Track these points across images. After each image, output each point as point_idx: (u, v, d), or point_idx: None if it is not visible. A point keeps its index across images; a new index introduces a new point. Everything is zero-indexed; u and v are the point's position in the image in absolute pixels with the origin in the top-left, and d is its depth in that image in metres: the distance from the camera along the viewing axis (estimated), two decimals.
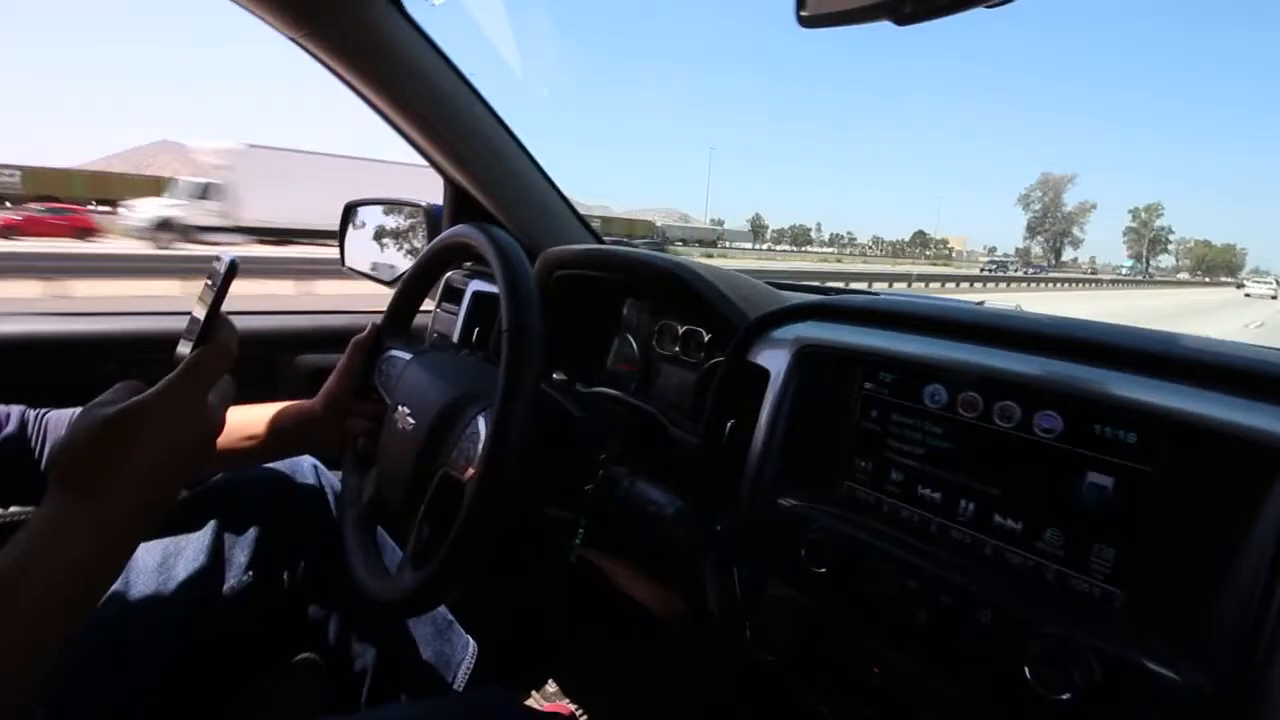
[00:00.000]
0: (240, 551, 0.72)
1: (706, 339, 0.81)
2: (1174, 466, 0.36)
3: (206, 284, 0.45)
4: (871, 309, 0.53)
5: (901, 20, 0.35)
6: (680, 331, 0.85)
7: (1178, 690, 0.33)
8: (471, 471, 0.49)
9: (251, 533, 0.73)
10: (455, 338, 0.97)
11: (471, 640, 0.90)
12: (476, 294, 0.99)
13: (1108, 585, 0.37)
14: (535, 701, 1.09)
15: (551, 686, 1.12)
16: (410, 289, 0.71)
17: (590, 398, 0.78)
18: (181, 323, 0.46)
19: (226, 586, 0.70)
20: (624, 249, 0.81)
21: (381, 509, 0.63)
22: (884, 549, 0.46)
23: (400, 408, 0.61)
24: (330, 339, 1.07)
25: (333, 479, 0.81)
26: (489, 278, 0.99)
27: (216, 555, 0.70)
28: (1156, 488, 0.36)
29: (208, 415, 0.43)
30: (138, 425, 0.39)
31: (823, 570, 0.47)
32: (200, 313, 0.44)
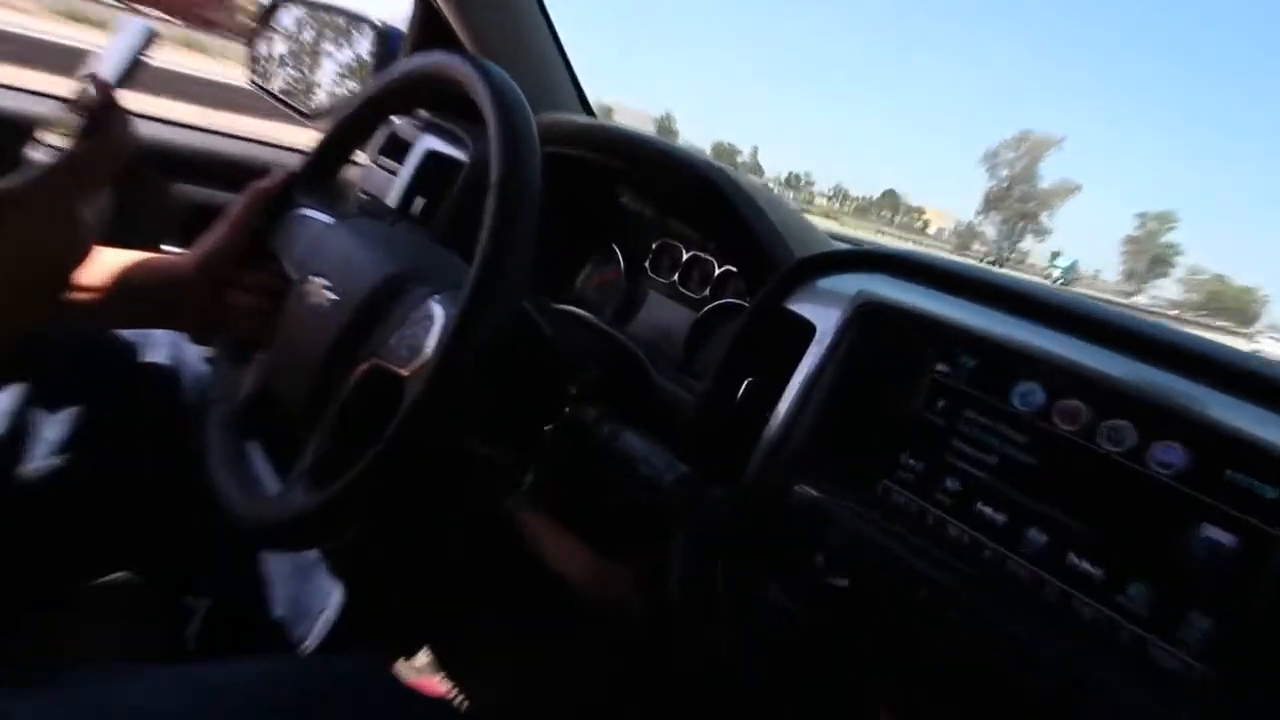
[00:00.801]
0: (51, 428, 0.66)
1: (718, 272, 0.80)
2: None
3: (111, 52, 0.38)
4: (961, 273, 0.51)
5: None
6: (684, 257, 0.83)
7: None
8: (418, 365, 0.46)
9: (71, 408, 0.67)
10: (394, 202, 0.90)
11: (337, 588, 0.87)
12: (432, 154, 0.91)
13: (1197, 662, 0.37)
14: (405, 674, 1.07)
15: (424, 657, 1.11)
16: (344, 132, 0.65)
17: (560, 317, 0.74)
18: (41, 105, 0.40)
19: (25, 468, 0.64)
20: (636, 131, 0.75)
21: (262, 411, 0.59)
22: (924, 570, 0.44)
23: (314, 278, 0.57)
24: (223, 169, 0.99)
25: (193, 360, 0.76)
26: (451, 137, 0.91)
27: (19, 428, 0.64)
28: None
29: (75, 233, 0.37)
30: None
31: (843, 583, 0.46)
32: (90, 88, 0.38)
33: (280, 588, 0.80)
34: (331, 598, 0.86)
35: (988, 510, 0.45)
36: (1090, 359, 0.43)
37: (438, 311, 0.49)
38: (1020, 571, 0.43)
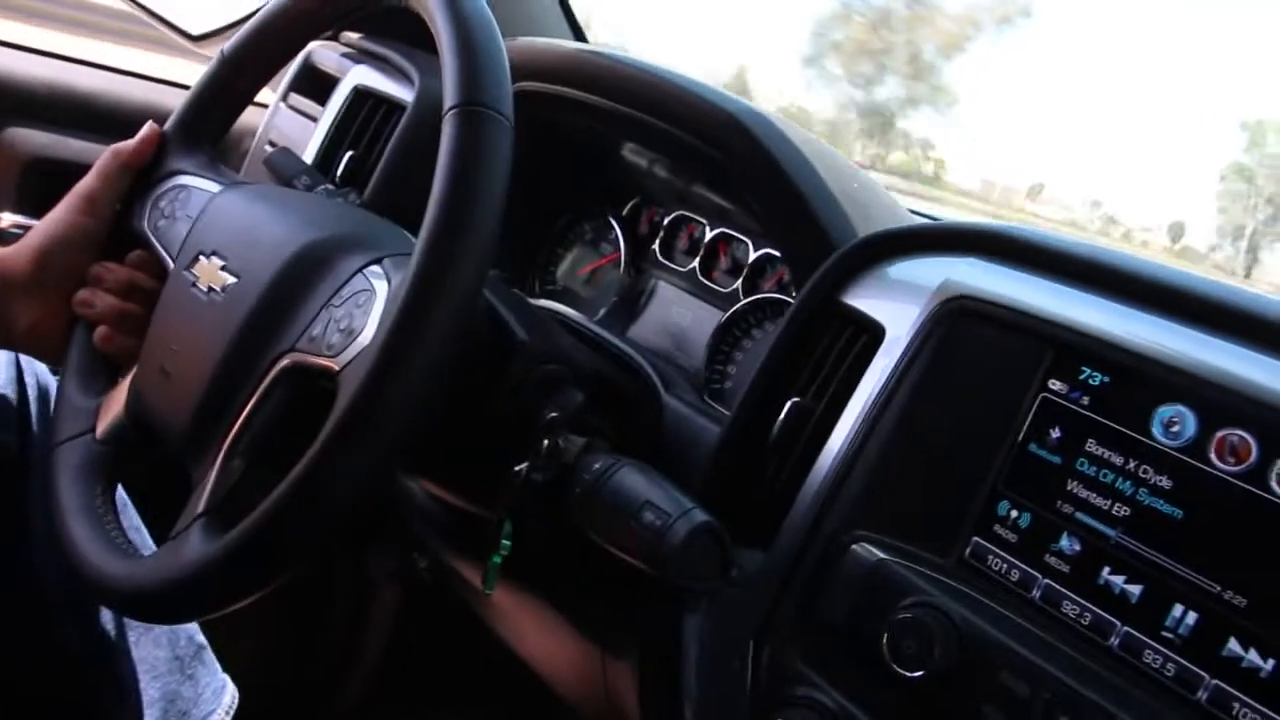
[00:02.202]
0: None
1: (753, 256, 0.80)
2: None
3: None
4: (1087, 258, 0.52)
5: None
6: (707, 236, 0.84)
7: None
8: (355, 353, 0.47)
9: None
10: (311, 158, 0.91)
11: (230, 684, 0.88)
12: (361, 91, 0.93)
13: None
14: None
15: None
16: (238, 64, 0.67)
17: (537, 318, 0.75)
18: None
19: None
20: (644, 62, 0.76)
21: (132, 448, 0.60)
22: (1027, 658, 0.45)
23: (205, 259, 0.58)
24: (73, 109, 1.00)
25: (44, 379, 0.77)
26: (390, 68, 0.93)
27: None
28: None
29: None
30: None
31: (916, 676, 0.46)
32: None
33: (150, 686, 0.80)
34: (221, 698, 0.86)
35: (1118, 580, 0.45)
36: (1264, 376, 0.43)
37: (379, 284, 0.50)
38: (1164, 665, 0.43)
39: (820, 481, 0.54)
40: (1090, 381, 0.48)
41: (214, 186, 0.64)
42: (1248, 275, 1.71)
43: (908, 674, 0.47)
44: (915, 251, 0.57)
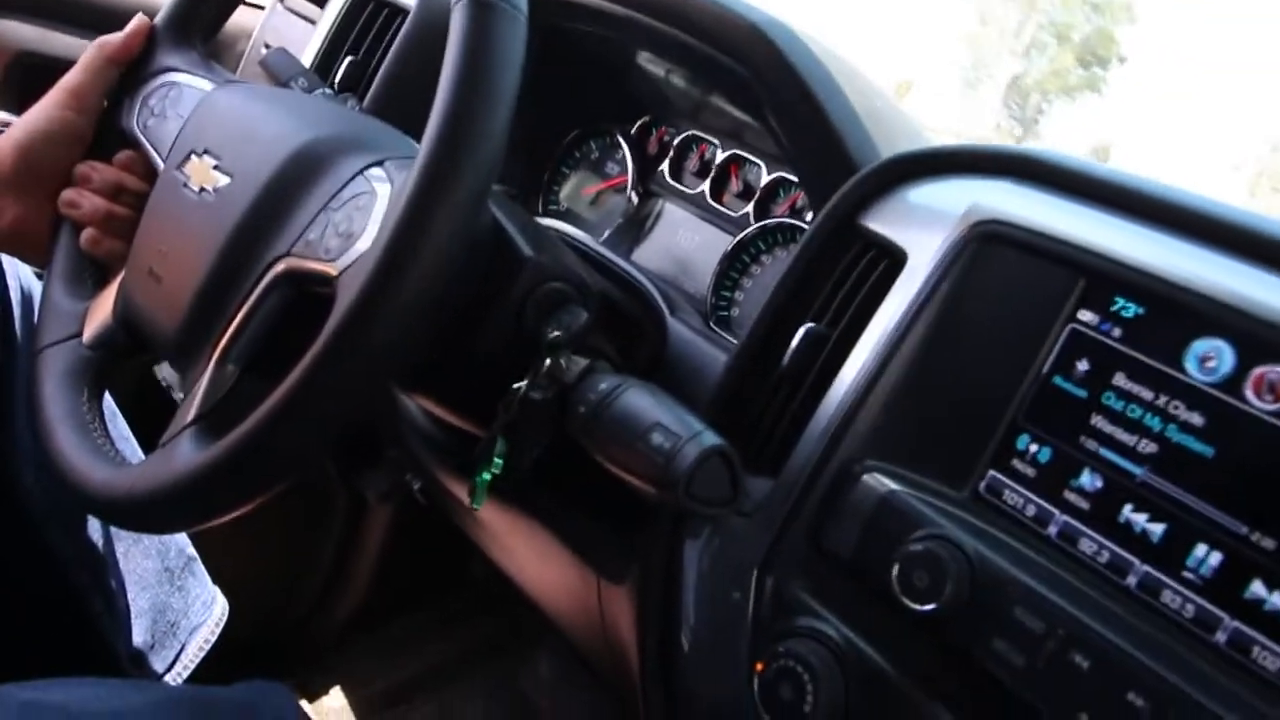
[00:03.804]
0: None
1: (766, 179, 0.80)
2: None
3: None
4: (1124, 185, 0.51)
5: None
6: (719, 158, 0.83)
7: None
8: (354, 257, 0.47)
9: None
10: (309, 61, 0.89)
11: (219, 596, 0.89)
12: None
13: None
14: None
15: (334, 697, 1.13)
16: None
17: (541, 235, 0.74)
18: None
19: None
20: None
21: (120, 353, 0.60)
22: (1041, 594, 0.44)
23: (197, 158, 0.57)
24: (65, 2, 0.97)
25: (28, 284, 0.76)
26: None
27: None
28: None
29: None
30: None
31: (926, 608, 0.46)
32: None
33: (140, 595, 0.80)
34: (210, 610, 0.86)
35: (1140, 518, 0.45)
36: None
37: (380, 186, 0.49)
38: (1180, 605, 0.43)
39: (833, 410, 0.54)
40: (1123, 313, 0.47)
41: (206, 84, 0.62)
42: None
43: (918, 607, 0.46)
44: (941, 173, 0.56)
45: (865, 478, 0.51)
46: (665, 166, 0.86)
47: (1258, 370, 0.43)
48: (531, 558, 0.79)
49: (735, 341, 0.64)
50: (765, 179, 0.79)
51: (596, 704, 1.06)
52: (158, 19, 0.66)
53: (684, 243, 0.83)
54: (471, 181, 0.44)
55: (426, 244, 0.43)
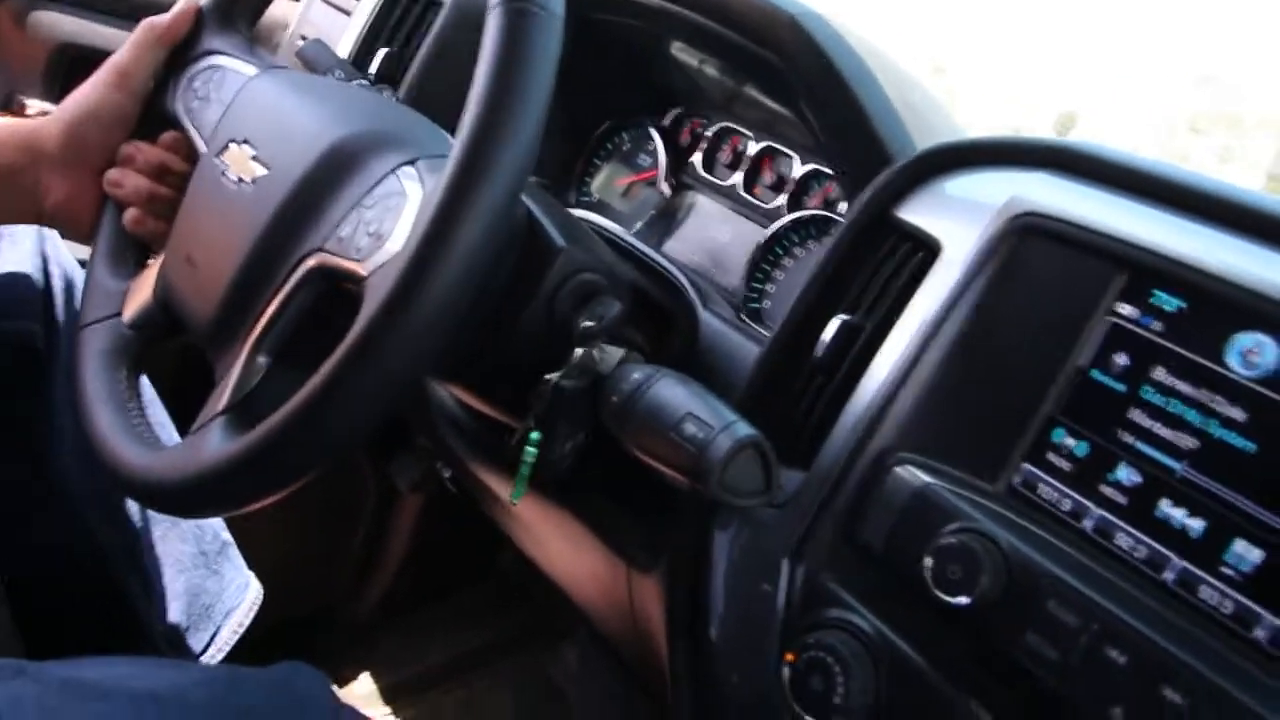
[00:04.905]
0: None
1: (800, 172, 0.79)
2: None
3: None
4: (1165, 177, 0.50)
5: None
6: (752, 150, 0.83)
7: None
8: (384, 258, 0.47)
9: None
10: (345, 53, 0.89)
11: (253, 582, 0.90)
12: None
13: None
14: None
15: (364, 683, 1.14)
16: None
17: (574, 226, 0.74)
18: None
19: None
20: None
21: (159, 334, 0.61)
22: (1075, 588, 0.44)
23: (236, 147, 0.58)
24: None
25: (64, 265, 0.78)
26: None
27: None
28: None
29: None
30: None
31: (959, 601, 0.46)
32: None
33: (175, 578, 0.81)
34: (245, 593, 0.88)
35: (1178, 514, 0.45)
36: None
37: (412, 187, 0.49)
38: (1217, 601, 0.43)
39: (866, 402, 0.54)
40: (1164, 306, 0.47)
41: (250, 69, 0.63)
42: None
43: (951, 600, 0.46)
44: (978, 165, 0.56)
45: (898, 470, 0.51)
46: (698, 158, 0.86)
47: None
48: (562, 548, 0.79)
49: (768, 334, 0.64)
50: (799, 171, 0.79)
51: (625, 695, 1.06)
52: (204, 1, 0.66)
53: (716, 235, 0.83)
54: (501, 193, 0.44)
55: (453, 254, 0.43)
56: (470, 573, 1.16)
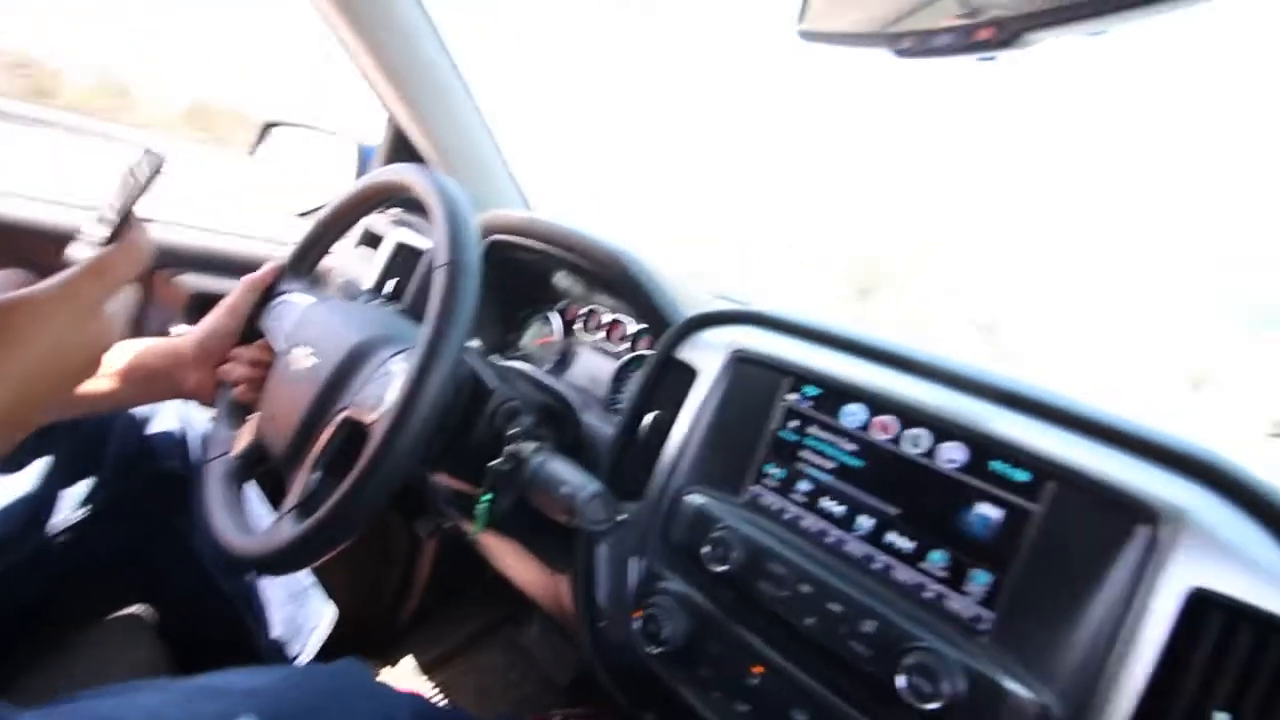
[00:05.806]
0: (74, 490, 0.64)
1: (632, 332, 0.81)
2: (1055, 507, 0.39)
3: (126, 178, 0.39)
4: (808, 326, 0.54)
5: (900, 54, 0.36)
6: (606, 320, 0.85)
7: (1029, 709, 0.36)
8: (380, 413, 0.46)
9: (89, 472, 0.65)
10: (370, 284, 0.90)
11: (329, 607, 0.85)
12: (401, 245, 0.92)
13: (981, 607, 0.40)
14: (387, 678, 1.04)
15: (407, 663, 1.08)
16: (326, 227, 0.66)
17: (506, 371, 0.75)
18: (73, 217, 0.40)
19: (54, 524, 0.62)
20: (565, 224, 0.79)
21: (255, 463, 0.59)
22: (783, 554, 0.46)
23: (298, 349, 0.57)
24: (217, 262, 0.96)
25: (198, 423, 0.75)
26: (418, 230, 0.93)
27: (47, 491, 0.62)
28: (1038, 524, 0.39)
29: (104, 326, 0.37)
30: (21, 321, 0.33)
31: (723, 569, 0.47)
32: (112, 209, 0.39)
33: (276, 611, 0.77)
34: (323, 617, 0.83)
35: (830, 504, 0.48)
36: (898, 386, 0.47)
37: (397, 368, 0.49)
38: (855, 550, 0.46)
39: (669, 458, 0.55)
40: (809, 394, 0.50)
41: (308, 299, 0.63)
42: None
43: (720, 569, 0.48)
44: (717, 325, 0.59)
45: (687, 497, 0.52)
46: (579, 325, 0.88)
47: (877, 419, 0.47)
48: (515, 563, 0.77)
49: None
50: (633, 329, 0.81)
51: (563, 647, 1.03)
52: (282, 261, 0.66)
53: (592, 368, 0.84)
54: (443, 371, 0.44)
55: (418, 409, 0.43)
56: (468, 585, 1.11)
